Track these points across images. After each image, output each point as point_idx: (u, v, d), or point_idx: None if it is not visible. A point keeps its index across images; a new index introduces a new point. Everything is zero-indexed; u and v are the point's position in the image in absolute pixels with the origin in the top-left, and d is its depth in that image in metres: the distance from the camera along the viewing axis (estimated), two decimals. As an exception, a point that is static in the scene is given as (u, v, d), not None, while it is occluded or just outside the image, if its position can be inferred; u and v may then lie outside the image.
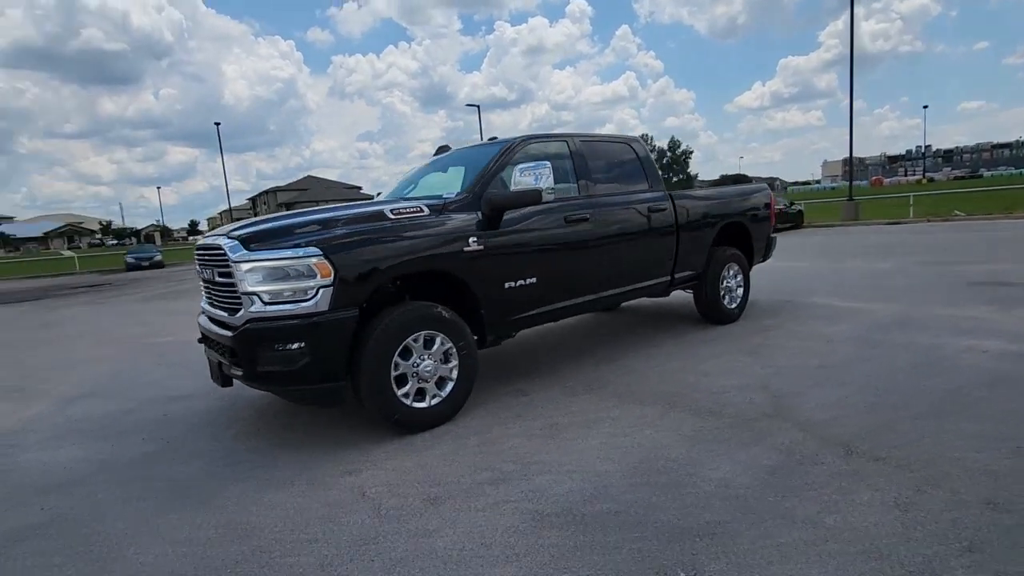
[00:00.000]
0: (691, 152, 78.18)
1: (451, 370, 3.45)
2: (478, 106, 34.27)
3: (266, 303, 2.97)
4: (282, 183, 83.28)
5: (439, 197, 3.69)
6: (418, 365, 3.28)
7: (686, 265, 5.12)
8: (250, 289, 2.97)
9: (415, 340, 3.27)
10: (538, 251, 3.90)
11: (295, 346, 2.94)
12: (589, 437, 3.11)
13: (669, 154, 77.94)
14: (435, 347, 3.36)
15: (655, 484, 2.54)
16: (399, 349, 3.20)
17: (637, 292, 4.82)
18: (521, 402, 3.76)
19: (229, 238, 3.12)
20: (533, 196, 3.56)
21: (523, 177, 3.56)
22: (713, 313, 5.43)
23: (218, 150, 33.87)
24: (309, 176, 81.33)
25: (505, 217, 3.70)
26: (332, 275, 2.97)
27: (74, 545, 2.40)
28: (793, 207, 18.90)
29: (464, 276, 3.50)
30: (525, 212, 3.82)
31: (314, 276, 2.94)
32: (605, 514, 2.32)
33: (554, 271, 4.01)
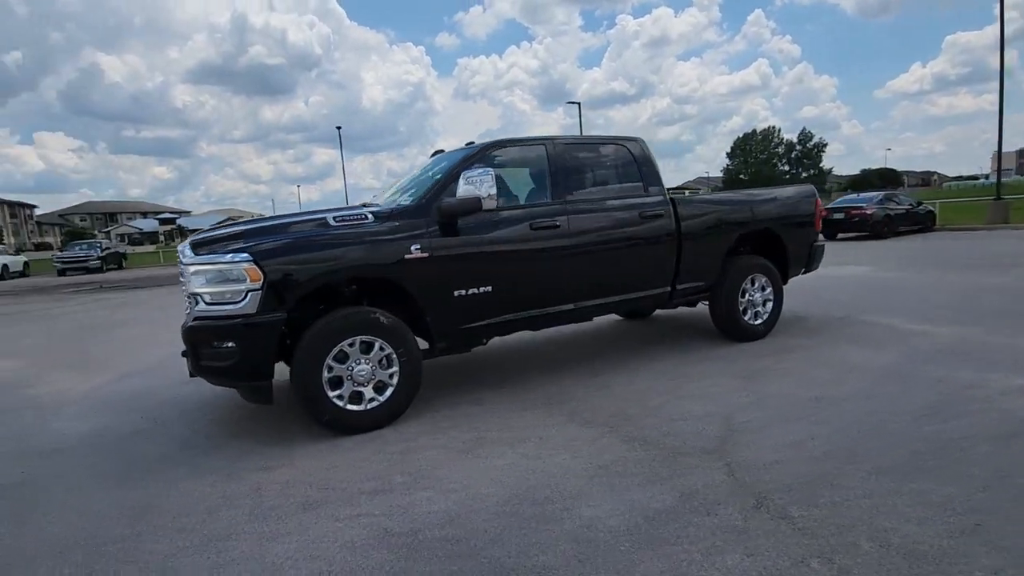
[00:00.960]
0: (825, 145, 70.92)
1: (390, 375, 3.49)
2: (578, 103, 33.97)
3: (208, 303, 3.21)
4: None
5: (394, 205, 3.74)
6: (353, 369, 3.37)
7: (693, 275, 4.71)
8: (195, 290, 3.23)
9: (351, 345, 3.35)
10: (494, 259, 3.80)
11: (227, 345, 3.15)
12: (503, 456, 2.99)
13: (799, 147, 71.48)
14: (373, 352, 3.42)
15: (521, 515, 2.38)
16: (333, 352, 3.30)
17: (628, 303, 4.53)
18: (470, 412, 3.70)
19: (188, 243, 3.42)
20: (472, 204, 3.48)
21: (467, 185, 3.49)
22: (731, 329, 4.94)
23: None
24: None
25: (461, 224, 3.68)
26: (261, 280, 3.13)
27: (14, 507, 2.79)
28: (921, 207, 16.50)
29: (405, 283, 3.52)
30: (483, 220, 3.74)
31: (244, 280, 3.13)
32: (447, 540, 2.23)
33: (515, 280, 3.89)
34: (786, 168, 70.68)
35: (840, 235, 15.43)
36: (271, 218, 3.65)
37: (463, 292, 3.68)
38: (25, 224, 74.00)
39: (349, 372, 3.35)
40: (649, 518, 2.29)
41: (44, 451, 3.54)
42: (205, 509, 2.62)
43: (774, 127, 73.58)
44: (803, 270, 5.50)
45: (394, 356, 3.47)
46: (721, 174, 75.22)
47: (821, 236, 5.61)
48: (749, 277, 4.94)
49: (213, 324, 3.17)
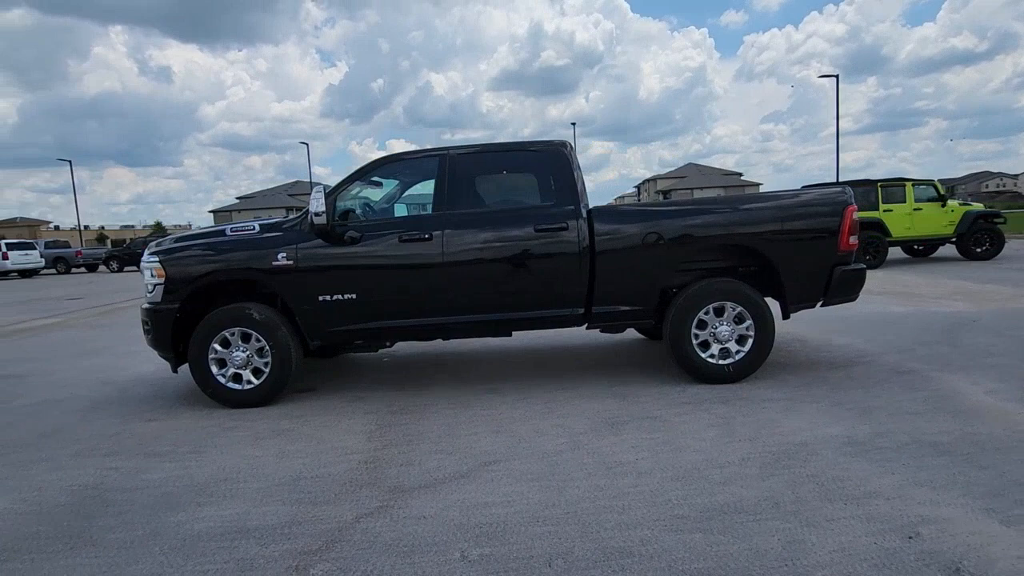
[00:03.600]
0: None
1: (265, 363, 4.08)
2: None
3: (148, 293, 4.28)
4: (665, 172, 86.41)
5: (298, 216, 4.25)
6: (233, 354, 4.06)
7: (617, 298, 4.06)
8: (144, 282, 4.33)
9: (231, 334, 4.05)
10: (358, 270, 4.03)
11: (147, 325, 4.17)
12: (266, 449, 3.32)
13: None
14: (251, 342, 4.06)
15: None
16: (217, 339, 4.05)
17: (526, 322, 4.18)
18: (331, 407, 4.05)
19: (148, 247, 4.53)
20: (317, 219, 3.79)
21: (312, 199, 3.81)
22: (686, 366, 4.09)
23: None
24: (690, 164, 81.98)
25: (347, 236, 4.03)
26: (163, 277, 4.06)
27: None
28: None
29: (273, 287, 4.04)
30: (355, 231, 4.02)
31: (155, 277, 4.09)
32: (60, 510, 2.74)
33: (381, 290, 4.04)
34: None
35: None
36: (208, 228, 4.56)
37: (328, 298, 4.03)
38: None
39: (230, 356, 4.07)
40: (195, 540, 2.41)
41: (51, 413, 5.16)
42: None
43: None
44: (820, 302, 4.14)
45: (267, 347, 4.06)
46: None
47: (855, 259, 4.10)
48: (711, 305, 3.99)
49: (144, 308, 4.22)
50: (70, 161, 41.92)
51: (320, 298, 4.03)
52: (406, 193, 4.52)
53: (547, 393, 4.10)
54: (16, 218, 78.40)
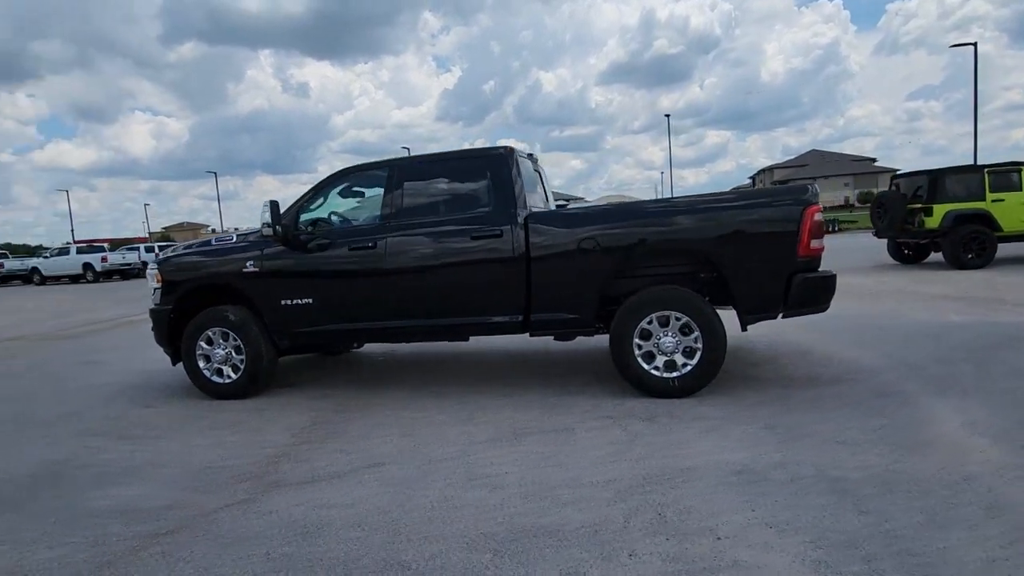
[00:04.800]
0: None
1: (240, 360, 4.52)
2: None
3: (152, 296, 4.89)
4: (787, 159, 79.83)
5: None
6: (214, 351, 4.55)
7: (554, 306, 3.97)
8: (149, 286, 4.96)
9: (213, 333, 4.53)
10: (312, 276, 4.32)
11: (151, 324, 4.78)
12: (209, 438, 3.69)
13: None
14: (229, 341, 4.52)
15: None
16: (202, 337, 4.55)
17: (469, 329, 4.21)
18: (292, 403, 4.39)
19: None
20: (263, 230, 4.12)
21: (262, 213, 4.14)
22: (628, 377, 3.90)
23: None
24: (813, 151, 75.08)
25: (310, 245, 4.36)
26: (161, 282, 4.63)
27: None
28: None
29: (245, 291, 4.44)
30: (313, 240, 4.32)
31: (155, 282, 4.68)
32: (58, 475, 3.24)
33: (333, 295, 4.30)
34: None
35: None
36: (207, 238, 5.10)
37: (289, 302, 4.36)
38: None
39: (212, 353, 4.56)
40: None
41: (78, 399, 5.97)
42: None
43: None
44: (780, 312, 3.74)
45: (241, 345, 4.49)
46: None
47: (818, 264, 3.64)
48: (654, 315, 3.78)
49: (149, 310, 4.84)
50: (215, 173, 48.43)
51: (282, 302, 4.38)
52: (368, 203, 4.74)
53: (486, 399, 4.12)
54: (183, 222, 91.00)
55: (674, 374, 3.80)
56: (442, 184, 4.31)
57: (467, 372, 5.04)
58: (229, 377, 4.55)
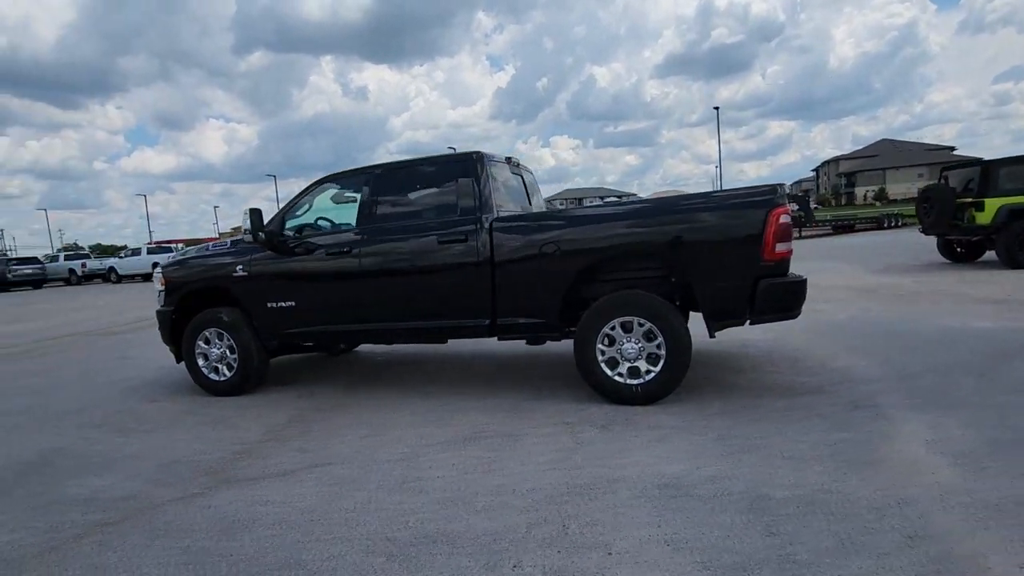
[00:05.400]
0: None
1: (234, 359, 4.77)
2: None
3: (157, 298, 5.22)
4: (855, 150, 75.44)
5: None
6: (210, 350, 4.82)
7: (519, 310, 3.97)
8: (155, 289, 5.30)
9: (210, 333, 4.81)
10: (293, 280, 4.50)
11: (158, 324, 5.11)
12: (190, 433, 3.93)
13: None
14: (224, 340, 4.78)
15: None
16: (200, 337, 4.83)
17: (440, 332, 4.27)
18: (277, 400, 4.59)
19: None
20: (244, 236, 4.31)
21: (243, 220, 4.34)
22: (592, 383, 3.85)
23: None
24: (884, 140, 70.64)
25: (297, 249, 4.55)
26: (165, 285, 4.95)
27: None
28: None
29: (235, 294, 4.68)
30: (298, 245, 4.51)
31: (160, 285, 5.00)
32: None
33: (312, 298, 4.46)
34: None
35: None
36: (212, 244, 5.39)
37: (274, 304, 4.56)
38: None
39: (208, 352, 4.83)
40: None
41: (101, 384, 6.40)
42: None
43: None
44: (747, 319, 3.58)
45: (234, 344, 4.74)
46: None
47: (788, 268, 3.45)
48: (618, 320, 3.71)
49: (156, 311, 5.18)
50: (274, 176, 50.77)
51: (268, 304, 4.59)
52: (352, 208, 4.88)
53: (463, 401, 4.17)
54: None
55: (637, 381, 3.72)
56: (414, 190, 4.39)
57: (461, 373, 5.10)
58: (224, 375, 4.81)
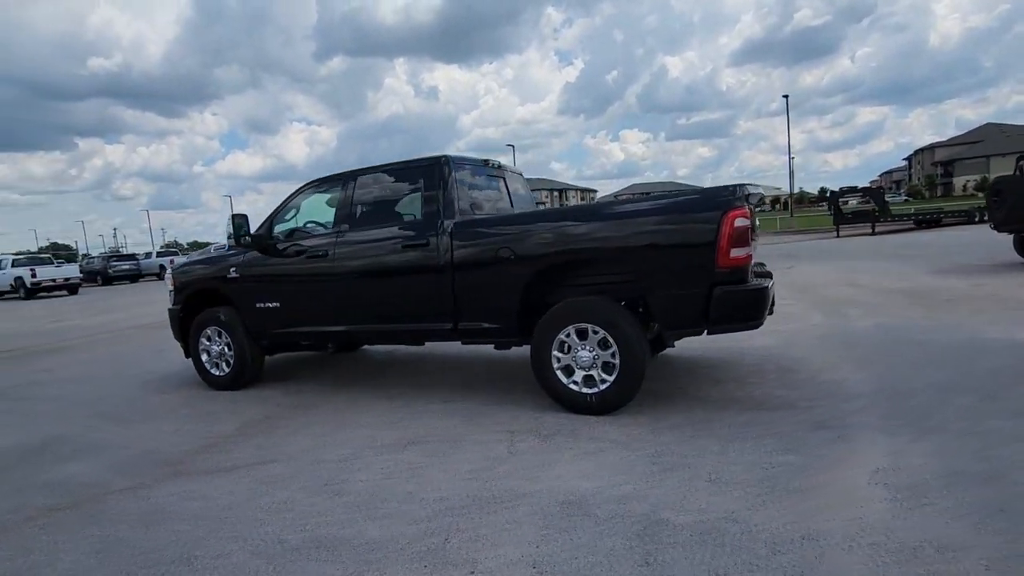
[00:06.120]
0: None
1: (231, 356, 5.04)
2: None
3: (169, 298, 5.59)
4: (956, 135, 68.92)
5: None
6: (210, 347, 5.12)
7: (478, 315, 3.93)
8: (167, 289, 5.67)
9: (211, 331, 5.11)
10: (276, 282, 4.69)
11: (170, 322, 5.48)
12: (174, 425, 4.19)
13: None
14: (222, 337, 5.07)
15: None
16: (203, 335, 5.15)
17: (408, 334, 4.32)
18: (263, 396, 4.80)
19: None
20: (229, 241, 4.53)
21: (227, 225, 4.55)
22: (547, 390, 3.77)
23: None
24: (989, 124, 64.05)
25: (286, 252, 4.76)
26: (174, 286, 5.30)
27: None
28: None
29: (229, 295, 4.94)
30: (286, 248, 4.69)
31: (170, 286, 5.36)
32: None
33: (293, 300, 4.63)
34: None
35: None
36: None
37: (262, 305, 4.78)
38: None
39: (209, 349, 5.14)
40: None
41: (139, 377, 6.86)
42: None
43: None
44: (703, 328, 3.36)
45: (231, 342, 5.01)
46: None
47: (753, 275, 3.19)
48: (572, 327, 3.60)
49: (168, 309, 5.55)
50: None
51: (257, 305, 4.81)
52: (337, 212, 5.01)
53: (429, 403, 4.20)
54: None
55: (592, 390, 3.60)
56: (385, 194, 4.45)
57: (448, 375, 5.14)
58: (223, 371, 5.10)
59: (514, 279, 3.77)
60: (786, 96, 35.92)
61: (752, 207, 3.98)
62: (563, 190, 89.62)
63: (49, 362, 7.44)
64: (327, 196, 4.82)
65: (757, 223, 4.25)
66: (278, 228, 4.85)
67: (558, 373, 3.69)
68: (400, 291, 4.21)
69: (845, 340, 5.15)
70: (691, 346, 5.18)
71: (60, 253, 67.91)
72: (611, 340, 3.50)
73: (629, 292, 3.58)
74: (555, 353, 3.68)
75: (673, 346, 3.53)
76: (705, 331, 3.41)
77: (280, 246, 4.72)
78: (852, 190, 23.60)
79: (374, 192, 4.48)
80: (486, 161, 4.70)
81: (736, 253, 3.20)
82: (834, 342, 5.10)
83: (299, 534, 2.46)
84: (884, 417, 3.23)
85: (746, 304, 3.26)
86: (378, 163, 4.58)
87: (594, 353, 3.57)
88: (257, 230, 4.87)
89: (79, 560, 2.40)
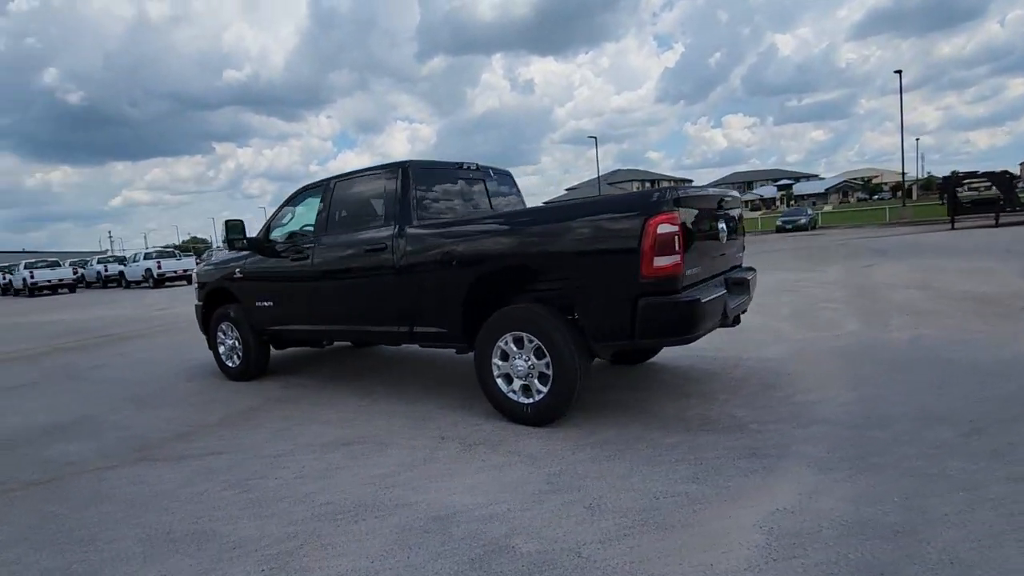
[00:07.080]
0: None
1: (241, 349, 5.46)
2: None
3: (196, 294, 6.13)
4: None
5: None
6: (224, 341, 5.57)
7: (430, 319, 3.95)
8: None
9: (225, 326, 5.56)
10: (270, 282, 5.00)
11: (196, 317, 6.02)
12: (173, 412, 4.62)
13: None
14: (233, 332, 5.50)
15: None
16: (217, 329, 5.62)
17: (375, 336, 4.46)
18: (261, 390, 5.15)
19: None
20: (224, 244, 4.87)
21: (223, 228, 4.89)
22: (488, 397, 3.73)
23: None
24: None
25: (283, 253, 5.09)
26: (198, 283, 5.82)
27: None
28: None
29: (235, 294, 5.34)
30: (282, 251, 5.00)
31: (196, 283, 5.89)
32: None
33: (283, 300, 4.91)
34: None
35: None
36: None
37: (261, 303, 5.12)
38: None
39: (224, 343, 5.60)
40: None
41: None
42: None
43: None
44: (630, 340, 3.13)
45: (239, 336, 5.43)
46: None
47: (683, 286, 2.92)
48: (509, 335, 3.53)
49: (195, 305, 6.09)
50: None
51: (256, 303, 5.17)
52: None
53: (389, 405, 4.31)
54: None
55: (529, 400, 3.52)
56: (356, 199, 4.58)
57: (440, 373, 5.24)
58: (235, 363, 5.55)
59: (457, 284, 3.76)
60: (899, 71, 32.20)
61: (724, 209, 3.70)
62: (654, 181, 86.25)
63: (130, 346, 8.42)
64: (317, 200, 5.07)
65: (734, 225, 3.92)
66: (275, 232, 5.16)
67: (498, 381, 3.63)
68: (364, 294, 4.34)
69: (861, 354, 4.59)
70: (688, 353, 4.87)
71: (198, 247, 76.40)
72: (545, 350, 3.39)
73: (560, 300, 3.44)
74: (495, 361, 3.63)
75: (604, 358, 3.34)
76: (632, 344, 3.21)
77: (274, 248, 5.03)
78: (972, 175, 20.67)
79: (347, 198, 4.63)
80: (461, 164, 4.69)
81: (661, 262, 2.96)
82: (847, 356, 4.57)
83: (188, 526, 2.65)
84: (831, 449, 2.86)
85: (674, 317, 3.01)
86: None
87: (530, 362, 3.48)
88: (258, 233, 5.23)
89: (13, 532, 2.74)
